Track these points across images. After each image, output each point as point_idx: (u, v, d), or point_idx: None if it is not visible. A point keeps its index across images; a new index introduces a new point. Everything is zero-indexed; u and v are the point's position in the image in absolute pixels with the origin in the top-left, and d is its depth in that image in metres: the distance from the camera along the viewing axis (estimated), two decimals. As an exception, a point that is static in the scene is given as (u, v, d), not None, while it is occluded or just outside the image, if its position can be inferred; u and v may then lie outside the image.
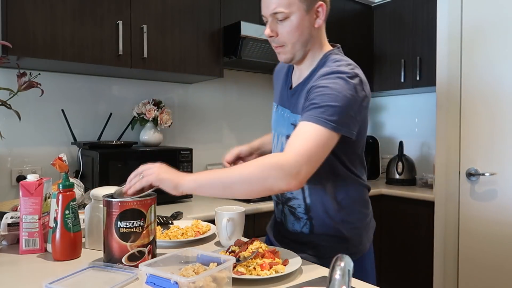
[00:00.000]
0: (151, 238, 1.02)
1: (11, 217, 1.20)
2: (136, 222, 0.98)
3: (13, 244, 1.21)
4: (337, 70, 1.09)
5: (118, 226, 0.98)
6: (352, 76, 1.07)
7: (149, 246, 1.01)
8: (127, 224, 0.98)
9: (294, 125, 1.13)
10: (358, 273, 1.06)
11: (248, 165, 1.00)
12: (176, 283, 0.73)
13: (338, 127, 1.02)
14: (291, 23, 1.11)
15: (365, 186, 1.26)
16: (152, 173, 1.00)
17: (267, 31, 1.14)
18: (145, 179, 1.00)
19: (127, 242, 0.98)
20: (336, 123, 1.01)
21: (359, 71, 1.12)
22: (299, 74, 1.24)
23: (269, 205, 1.99)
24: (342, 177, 1.20)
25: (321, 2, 1.13)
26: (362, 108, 1.10)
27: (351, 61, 1.15)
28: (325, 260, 1.14)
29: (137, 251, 0.99)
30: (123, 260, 0.98)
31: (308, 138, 1.00)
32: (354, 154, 1.21)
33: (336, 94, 1.03)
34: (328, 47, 1.22)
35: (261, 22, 2.34)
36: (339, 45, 1.24)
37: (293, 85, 1.24)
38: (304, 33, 1.13)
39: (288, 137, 1.14)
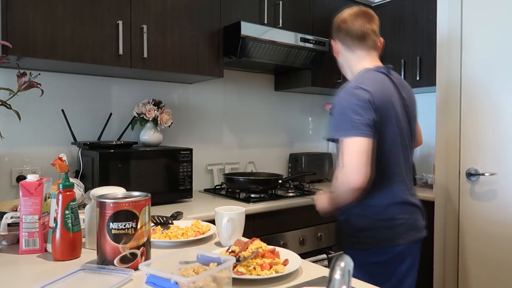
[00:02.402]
0: (144, 240, 1.01)
1: (11, 217, 1.21)
2: (129, 224, 0.98)
3: (13, 244, 1.21)
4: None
5: (110, 227, 0.97)
6: (348, 88, 1.40)
7: (142, 248, 1.00)
8: (119, 225, 0.97)
9: None
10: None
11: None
12: (176, 283, 0.73)
13: (349, 133, 1.32)
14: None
15: (382, 191, 1.43)
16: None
17: None
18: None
19: (119, 243, 0.97)
20: (344, 132, 1.34)
21: (360, 88, 1.38)
22: None
23: (268, 205, 1.99)
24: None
25: (331, 39, 1.61)
26: (361, 108, 1.35)
27: (361, 82, 1.41)
28: (344, 244, 1.52)
29: (129, 253, 0.98)
30: (115, 262, 0.97)
31: (346, 152, 1.34)
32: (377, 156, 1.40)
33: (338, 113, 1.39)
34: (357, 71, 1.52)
35: (261, 22, 2.34)
36: (376, 66, 1.51)
37: None
38: (338, 61, 1.62)
39: None
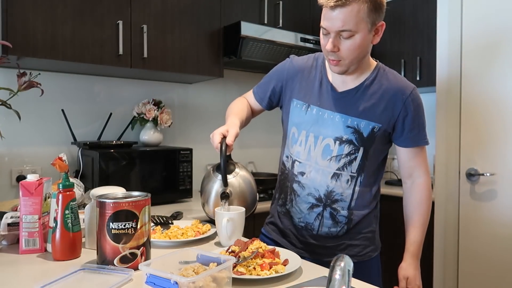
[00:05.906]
0: (144, 239, 1.01)
1: (11, 217, 1.20)
2: (129, 224, 0.98)
3: (13, 244, 1.21)
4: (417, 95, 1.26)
5: (110, 227, 0.97)
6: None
7: (142, 248, 1.00)
8: (119, 225, 0.97)
9: (353, 128, 1.24)
10: (377, 269, 1.45)
11: (422, 208, 1.35)
12: (176, 283, 0.73)
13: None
14: (354, 42, 1.13)
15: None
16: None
17: (329, 46, 1.15)
18: None
19: (118, 243, 0.97)
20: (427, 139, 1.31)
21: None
22: (342, 80, 1.26)
23: (268, 205, 1.98)
24: (381, 174, 1.37)
25: (382, 22, 1.17)
26: None
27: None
28: (358, 257, 1.33)
29: (129, 253, 0.98)
30: (115, 262, 0.97)
31: (426, 157, 1.33)
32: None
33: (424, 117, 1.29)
34: (371, 58, 1.28)
35: (261, 22, 2.34)
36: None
37: (338, 89, 1.26)
38: (363, 51, 1.17)
39: (337, 139, 1.24)
